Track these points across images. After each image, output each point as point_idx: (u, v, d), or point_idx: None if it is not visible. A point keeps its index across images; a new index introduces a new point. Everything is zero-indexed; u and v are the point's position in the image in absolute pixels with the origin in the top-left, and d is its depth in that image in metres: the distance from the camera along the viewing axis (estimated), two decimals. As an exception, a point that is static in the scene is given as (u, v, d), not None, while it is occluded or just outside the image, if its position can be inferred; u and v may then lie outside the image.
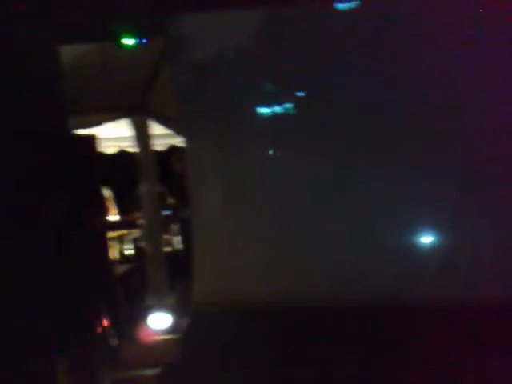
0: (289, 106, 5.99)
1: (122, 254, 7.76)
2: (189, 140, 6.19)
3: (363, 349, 5.04)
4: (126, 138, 7.27)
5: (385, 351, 4.96)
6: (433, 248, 5.93)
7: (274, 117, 6.00)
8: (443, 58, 5.59)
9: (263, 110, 6.04)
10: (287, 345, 5.25)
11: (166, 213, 7.96)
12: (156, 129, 7.02)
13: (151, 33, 5.60)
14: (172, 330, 5.94)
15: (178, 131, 7.00)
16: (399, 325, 5.21)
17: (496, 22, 5.43)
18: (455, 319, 5.11)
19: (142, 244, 7.91)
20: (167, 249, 7.87)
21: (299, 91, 6.02)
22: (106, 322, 5.32)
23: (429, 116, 5.70)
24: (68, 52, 5.23)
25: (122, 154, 8.31)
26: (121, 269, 6.84)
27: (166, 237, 8.09)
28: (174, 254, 7.76)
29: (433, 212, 5.86)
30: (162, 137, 7.73)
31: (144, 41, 5.41)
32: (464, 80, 5.60)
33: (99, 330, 5.31)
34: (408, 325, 5.19)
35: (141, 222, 7.79)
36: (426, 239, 5.95)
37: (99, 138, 5.58)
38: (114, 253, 7.65)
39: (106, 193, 7.94)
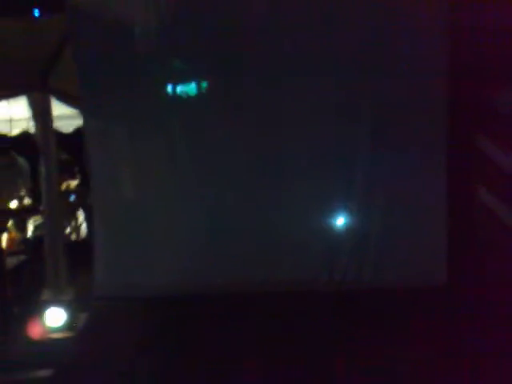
0: (199, 85, 5.70)
1: (22, 242, 7.24)
2: (90, 121, 5.73)
3: (276, 337, 4.94)
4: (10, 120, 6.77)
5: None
6: (344, 233, 5.85)
7: (184, 97, 5.68)
8: None
9: (173, 89, 5.69)
10: (194, 336, 5.09)
11: (72, 198, 7.51)
12: (62, 109, 6.55)
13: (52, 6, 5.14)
14: (68, 327, 5.51)
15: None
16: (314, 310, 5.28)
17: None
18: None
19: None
20: (73, 237, 7.45)
21: (210, 71, 5.71)
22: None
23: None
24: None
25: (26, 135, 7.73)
26: (16, 259, 6.29)
27: (72, 224, 7.67)
28: (77, 243, 7.32)
29: (342, 198, 5.81)
30: (69, 117, 7.23)
31: (39, 15, 4.92)
32: None
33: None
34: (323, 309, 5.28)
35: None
36: (338, 225, 5.89)
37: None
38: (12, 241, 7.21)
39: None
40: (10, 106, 6.86)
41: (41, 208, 7.35)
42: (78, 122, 7.55)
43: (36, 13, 5.04)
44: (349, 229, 5.81)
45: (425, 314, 5.13)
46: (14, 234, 7.42)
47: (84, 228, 7.70)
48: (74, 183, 7.93)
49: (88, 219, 7.57)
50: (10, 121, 6.32)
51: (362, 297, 5.47)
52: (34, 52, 5.71)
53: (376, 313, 5.19)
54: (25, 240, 7.28)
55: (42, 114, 5.89)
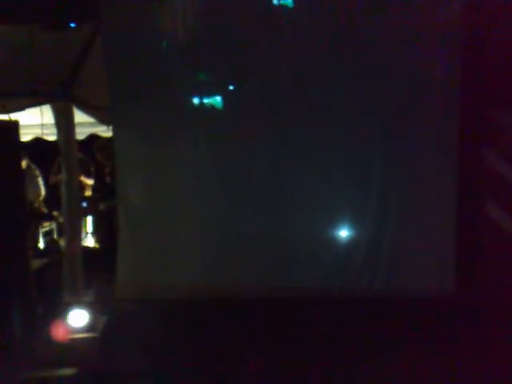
0: (222, 97, 5.93)
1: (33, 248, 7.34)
2: (118, 129, 5.95)
3: (290, 341, 5.19)
4: (42, 125, 6.86)
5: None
6: (356, 241, 6.05)
7: (209, 107, 5.93)
8: None
9: (197, 101, 5.94)
10: (212, 339, 5.31)
11: (83, 205, 7.64)
12: (77, 117, 6.71)
13: (82, 16, 5.34)
14: (90, 327, 5.66)
15: (102, 120, 6.69)
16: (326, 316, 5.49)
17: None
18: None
19: (55, 237, 7.60)
20: (84, 243, 7.57)
21: (234, 83, 5.98)
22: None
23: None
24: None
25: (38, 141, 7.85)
26: (35, 263, 6.40)
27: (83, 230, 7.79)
28: (90, 248, 7.47)
29: (355, 207, 6.04)
30: (81, 125, 7.37)
31: (73, 25, 5.12)
32: None
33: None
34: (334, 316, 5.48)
35: (55, 214, 7.47)
36: (351, 234, 6.09)
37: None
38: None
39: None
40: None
41: (54, 213, 7.55)
42: (90, 129, 7.80)
43: (67, 24, 5.19)
44: (361, 238, 6.03)
45: (434, 321, 5.35)
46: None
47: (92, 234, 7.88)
48: (89, 182, 8.08)
49: (99, 225, 7.74)
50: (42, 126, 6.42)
51: (375, 304, 5.66)
52: (58, 61, 5.85)
53: (387, 320, 5.40)
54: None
55: (64, 121, 6.04)
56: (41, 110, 5.91)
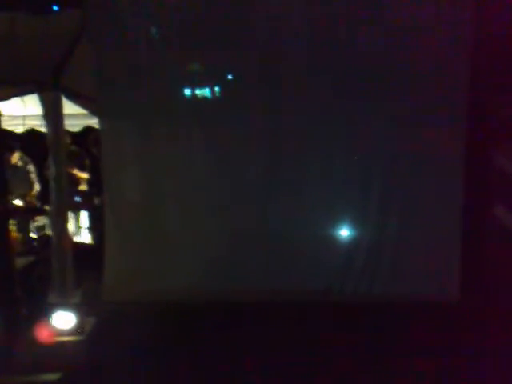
0: (215, 88, 5.69)
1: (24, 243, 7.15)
2: (105, 122, 5.69)
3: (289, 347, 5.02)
4: (24, 116, 6.67)
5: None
6: (357, 244, 5.84)
7: (200, 99, 5.68)
8: None
9: (189, 92, 5.69)
10: (202, 343, 5.14)
11: (77, 199, 7.45)
12: (70, 108, 6.46)
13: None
14: (76, 330, 5.42)
15: (94, 111, 6.45)
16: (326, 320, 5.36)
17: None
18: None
19: (48, 233, 7.40)
20: (76, 239, 7.38)
21: (227, 74, 5.71)
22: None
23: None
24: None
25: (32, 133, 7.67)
26: (22, 261, 6.18)
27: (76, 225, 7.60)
28: (83, 245, 7.26)
29: (357, 209, 5.82)
30: (76, 117, 7.15)
31: (55, 8, 4.87)
32: None
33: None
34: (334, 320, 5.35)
35: (47, 208, 7.26)
36: (351, 237, 5.88)
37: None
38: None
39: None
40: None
41: (46, 208, 7.33)
42: (85, 121, 7.59)
43: (51, 8, 4.95)
44: (362, 242, 5.82)
45: (436, 328, 5.18)
46: (16, 234, 7.31)
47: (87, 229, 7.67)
48: (83, 176, 7.86)
49: (93, 221, 7.54)
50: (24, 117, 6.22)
51: (374, 309, 5.50)
52: (47, 49, 5.62)
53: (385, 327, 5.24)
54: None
55: (53, 112, 5.79)
56: (23, 101, 5.67)
